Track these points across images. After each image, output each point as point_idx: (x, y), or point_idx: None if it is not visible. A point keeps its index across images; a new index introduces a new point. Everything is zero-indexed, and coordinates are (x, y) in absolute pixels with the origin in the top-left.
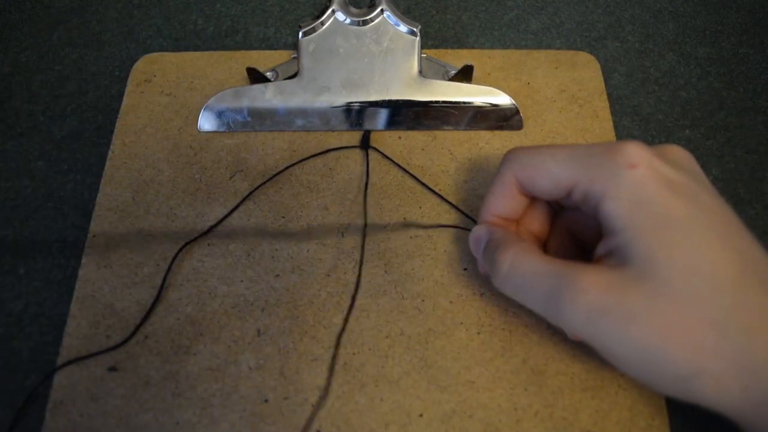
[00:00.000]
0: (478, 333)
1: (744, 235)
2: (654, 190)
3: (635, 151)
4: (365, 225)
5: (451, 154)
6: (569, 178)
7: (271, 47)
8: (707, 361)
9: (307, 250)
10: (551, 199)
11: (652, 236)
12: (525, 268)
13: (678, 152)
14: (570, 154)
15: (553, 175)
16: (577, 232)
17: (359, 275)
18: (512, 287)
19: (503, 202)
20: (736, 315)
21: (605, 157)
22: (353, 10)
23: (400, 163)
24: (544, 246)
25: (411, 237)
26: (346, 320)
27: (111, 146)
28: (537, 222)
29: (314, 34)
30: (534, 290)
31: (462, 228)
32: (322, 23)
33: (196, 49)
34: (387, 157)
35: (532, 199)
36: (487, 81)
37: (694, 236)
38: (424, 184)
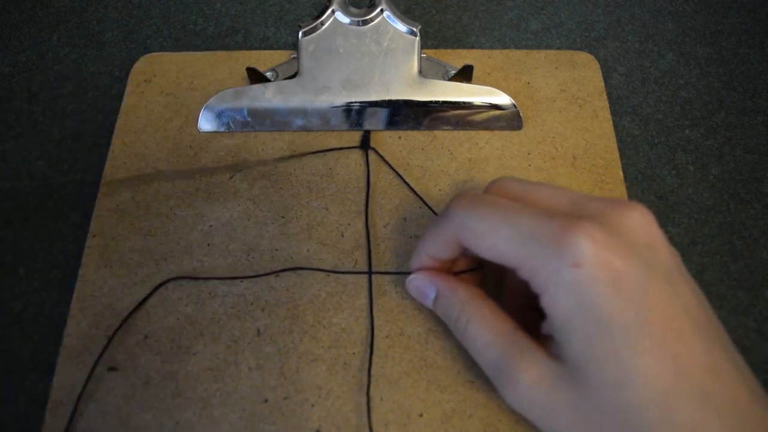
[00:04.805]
0: None
1: (687, 335)
2: (595, 292)
3: (584, 247)
4: (366, 225)
5: (451, 154)
6: (512, 260)
7: (271, 47)
8: None
9: (307, 250)
10: None
11: (586, 345)
12: (475, 338)
13: (636, 222)
14: (516, 232)
15: (496, 252)
16: None
17: (370, 275)
18: (466, 346)
19: (441, 250)
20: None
21: (551, 247)
22: (353, 10)
23: (399, 163)
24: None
25: (411, 237)
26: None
27: (111, 146)
28: (472, 257)
29: (314, 34)
30: (483, 361)
31: None
32: (322, 23)
33: (196, 49)
34: (385, 161)
35: None
36: (487, 81)
37: (629, 346)
38: (412, 189)
